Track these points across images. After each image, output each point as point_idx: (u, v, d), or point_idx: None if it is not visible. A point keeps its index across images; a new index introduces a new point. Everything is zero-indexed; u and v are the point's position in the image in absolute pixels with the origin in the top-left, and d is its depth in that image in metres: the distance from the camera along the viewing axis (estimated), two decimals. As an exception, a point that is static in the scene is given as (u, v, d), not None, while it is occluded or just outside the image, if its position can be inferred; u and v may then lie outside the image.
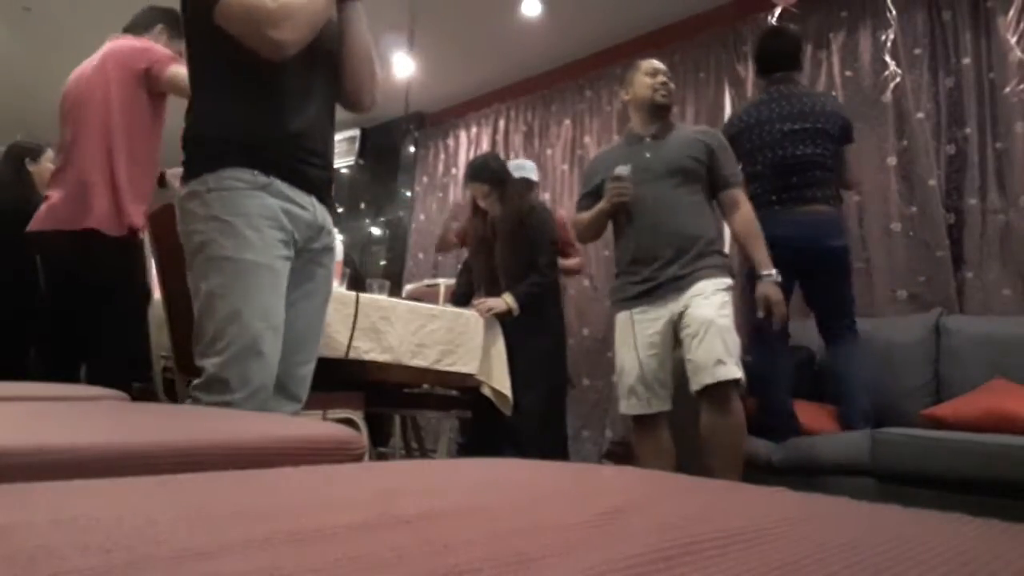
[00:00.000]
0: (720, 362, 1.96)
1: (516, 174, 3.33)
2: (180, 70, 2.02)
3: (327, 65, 1.51)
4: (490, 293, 2.82)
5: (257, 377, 1.30)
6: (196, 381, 1.31)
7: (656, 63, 2.34)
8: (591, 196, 2.32)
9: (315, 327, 1.54)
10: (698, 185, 2.22)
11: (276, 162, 1.38)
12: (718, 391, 1.98)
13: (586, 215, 2.32)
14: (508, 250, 2.84)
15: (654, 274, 2.15)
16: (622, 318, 2.21)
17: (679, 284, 2.11)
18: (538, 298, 2.72)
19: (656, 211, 2.18)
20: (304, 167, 1.44)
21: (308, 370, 1.52)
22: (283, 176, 1.39)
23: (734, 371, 1.97)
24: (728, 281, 2.13)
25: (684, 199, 2.19)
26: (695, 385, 2.01)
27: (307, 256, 1.48)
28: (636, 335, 2.14)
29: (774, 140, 2.49)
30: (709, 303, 2.04)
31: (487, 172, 2.87)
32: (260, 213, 1.34)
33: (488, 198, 2.89)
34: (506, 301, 2.61)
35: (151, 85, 2.11)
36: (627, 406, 2.17)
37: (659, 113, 2.27)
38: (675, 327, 2.12)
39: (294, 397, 1.49)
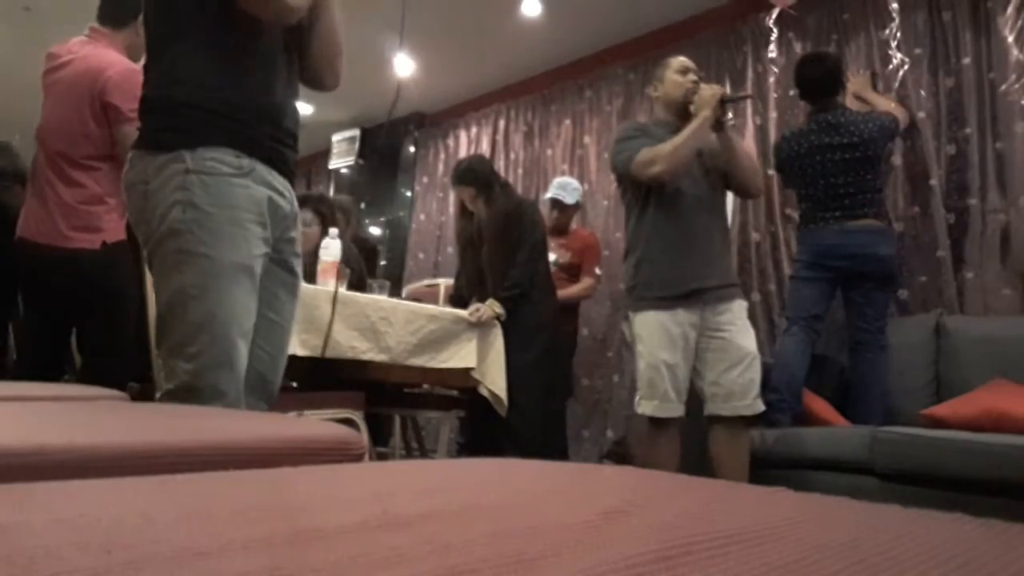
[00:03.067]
0: (757, 396, 2.09)
1: (550, 194, 3.54)
2: (130, 133, 1.90)
3: (293, 39, 1.38)
4: (479, 295, 2.84)
5: (230, 389, 1.21)
6: (168, 387, 1.21)
7: (687, 61, 2.28)
8: (644, 141, 2.13)
9: (293, 319, 1.45)
10: (724, 188, 2.25)
11: (258, 141, 1.26)
12: (745, 419, 2.09)
13: (679, 137, 2.07)
14: (495, 252, 2.85)
15: (697, 278, 2.10)
16: (659, 317, 2.10)
17: (719, 294, 2.12)
18: (522, 297, 2.72)
19: (697, 210, 2.14)
20: (282, 148, 1.32)
21: (284, 364, 1.44)
22: (264, 158, 1.27)
23: (762, 404, 2.11)
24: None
25: (719, 201, 2.23)
26: (726, 410, 2.07)
27: (282, 246, 1.37)
28: (676, 337, 2.08)
29: (825, 170, 2.62)
30: (749, 333, 2.12)
31: (472, 175, 2.88)
32: (245, 206, 1.23)
33: (475, 201, 2.90)
34: (492, 307, 2.62)
35: (106, 117, 2.07)
36: (655, 408, 2.08)
37: (688, 114, 2.18)
38: (699, 335, 2.11)
39: (272, 397, 1.40)
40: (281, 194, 1.32)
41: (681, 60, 2.28)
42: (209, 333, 1.19)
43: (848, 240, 2.57)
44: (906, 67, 3.06)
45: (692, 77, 2.22)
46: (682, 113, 2.20)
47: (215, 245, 1.19)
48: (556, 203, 3.52)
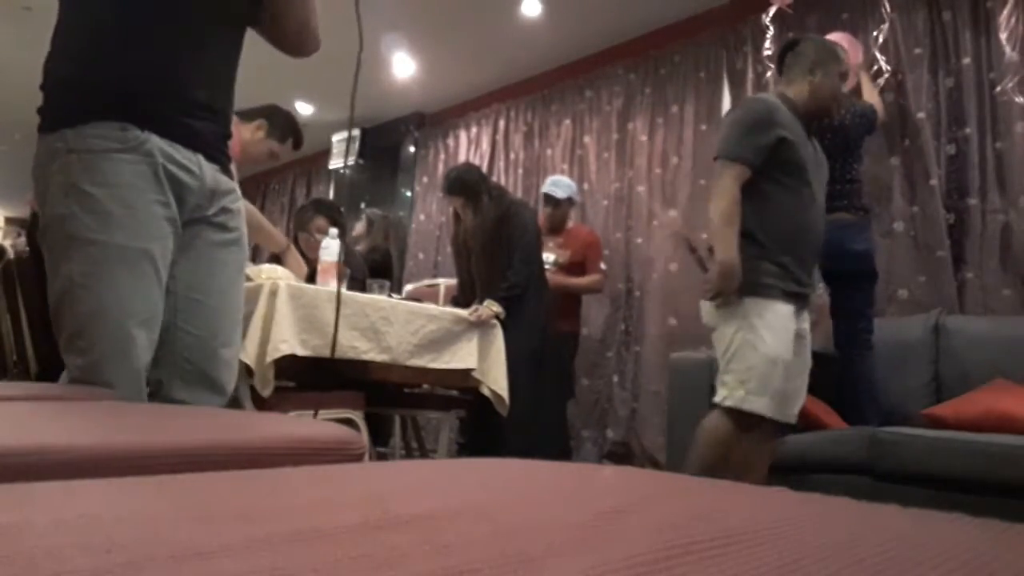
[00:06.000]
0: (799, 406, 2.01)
1: (543, 191, 3.55)
2: None
3: (232, 6, 1.28)
4: (468, 298, 2.84)
5: (124, 384, 1.12)
6: (61, 382, 1.16)
7: (847, 66, 2.09)
8: (762, 150, 1.91)
9: (233, 302, 1.31)
10: None
11: (150, 112, 1.15)
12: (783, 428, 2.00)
13: (722, 237, 1.91)
14: (482, 261, 2.88)
15: (808, 280, 2.01)
16: (786, 311, 1.94)
17: (809, 301, 2.05)
18: (518, 297, 2.73)
19: (818, 213, 2.02)
20: (189, 119, 1.20)
21: (232, 353, 1.30)
22: (161, 130, 1.16)
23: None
24: None
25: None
26: (779, 415, 1.96)
27: (203, 224, 1.26)
28: (792, 337, 1.94)
29: None
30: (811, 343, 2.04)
31: (460, 185, 2.90)
32: (132, 183, 1.12)
33: (464, 210, 2.91)
34: (491, 308, 2.63)
35: None
36: (765, 405, 1.89)
37: (824, 116, 2.07)
38: None
39: (218, 388, 1.27)
40: (187, 169, 1.20)
41: (848, 62, 2.08)
42: (100, 324, 1.11)
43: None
44: (905, 67, 3.06)
45: (848, 89, 2.09)
46: (821, 114, 2.07)
47: (101, 229, 1.11)
48: (548, 199, 3.52)
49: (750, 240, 1.95)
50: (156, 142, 1.16)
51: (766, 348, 1.88)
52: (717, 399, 1.95)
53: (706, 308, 2.03)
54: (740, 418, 1.90)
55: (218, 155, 1.28)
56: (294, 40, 1.37)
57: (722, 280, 1.89)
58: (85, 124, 1.12)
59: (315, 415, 2.07)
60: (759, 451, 1.95)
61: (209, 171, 1.25)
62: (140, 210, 1.14)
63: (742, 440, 1.91)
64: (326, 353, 2.11)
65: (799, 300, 1.97)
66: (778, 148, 1.91)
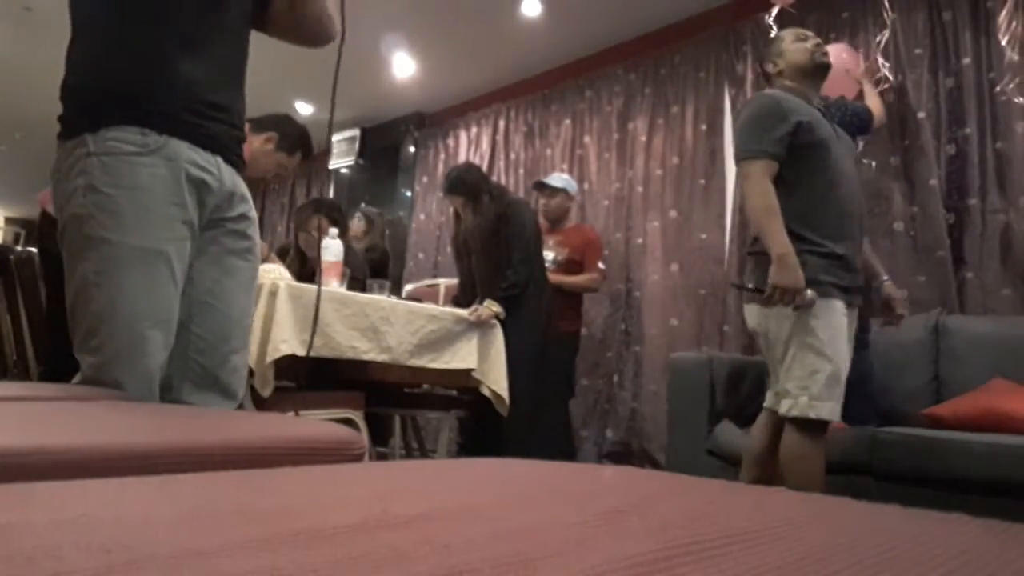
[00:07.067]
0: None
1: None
2: None
3: (239, 4, 1.29)
4: (469, 298, 2.85)
5: (133, 384, 1.13)
6: (74, 381, 1.17)
7: (802, 30, 2.08)
8: (783, 139, 1.85)
9: (245, 308, 1.33)
10: None
11: (169, 116, 1.17)
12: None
13: (771, 230, 1.79)
14: (482, 261, 2.89)
15: (856, 271, 1.90)
16: (842, 310, 1.83)
17: (858, 300, 1.95)
18: (518, 297, 2.73)
19: (851, 185, 1.91)
20: (205, 122, 1.22)
21: (242, 360, 1.31)
22: (180, 134, 1.18)
23: None
24: None
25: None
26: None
27: (222, 227, 1.27)
28: (845, 333, 1.84)
29: None
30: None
31: (461, 185, 2.90)
32: (150, 186, 1.14)
33: (465, 209, 2.92)
34: (491, 308, 2.63)
35: None
36: (831, 411, 1.78)
37: (822, 75, 2.01)
38: None
39: (229, 393, 1.28)
40: (207, 171, 1.22)
41: (796, 29, 2.09)
42: (112, 323, 1.12)
43: None
44: (905, 67, 3.06)
45: (815, 41, 2.01)
46: (817, 75, 2.01)
47: (116, 229, 1.12)
48: (541, 186, 3.54)
49: (790, 235, 1.81)
50: (177, 145, 1.18)
51: (831, 352, 1.77)
52: (782, 411, 1.83)
53: (752, 312, 1.92)
54: (807, 426, 1.79)
55: (234, 158, 1.29)
56: (312, 28, 1.38)
57: (783, 275, 1.74)
58: (106, 128, 1.14)
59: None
60: (822, 458, 1.82)
61: (228, 173, 1.27)
62: (156, 212, 1.15)
63: (818, 447, 1.80)
64: (326, 353, 2.11)
65: (850, 296, 1.87)
66: (797, 133, 1.86)
